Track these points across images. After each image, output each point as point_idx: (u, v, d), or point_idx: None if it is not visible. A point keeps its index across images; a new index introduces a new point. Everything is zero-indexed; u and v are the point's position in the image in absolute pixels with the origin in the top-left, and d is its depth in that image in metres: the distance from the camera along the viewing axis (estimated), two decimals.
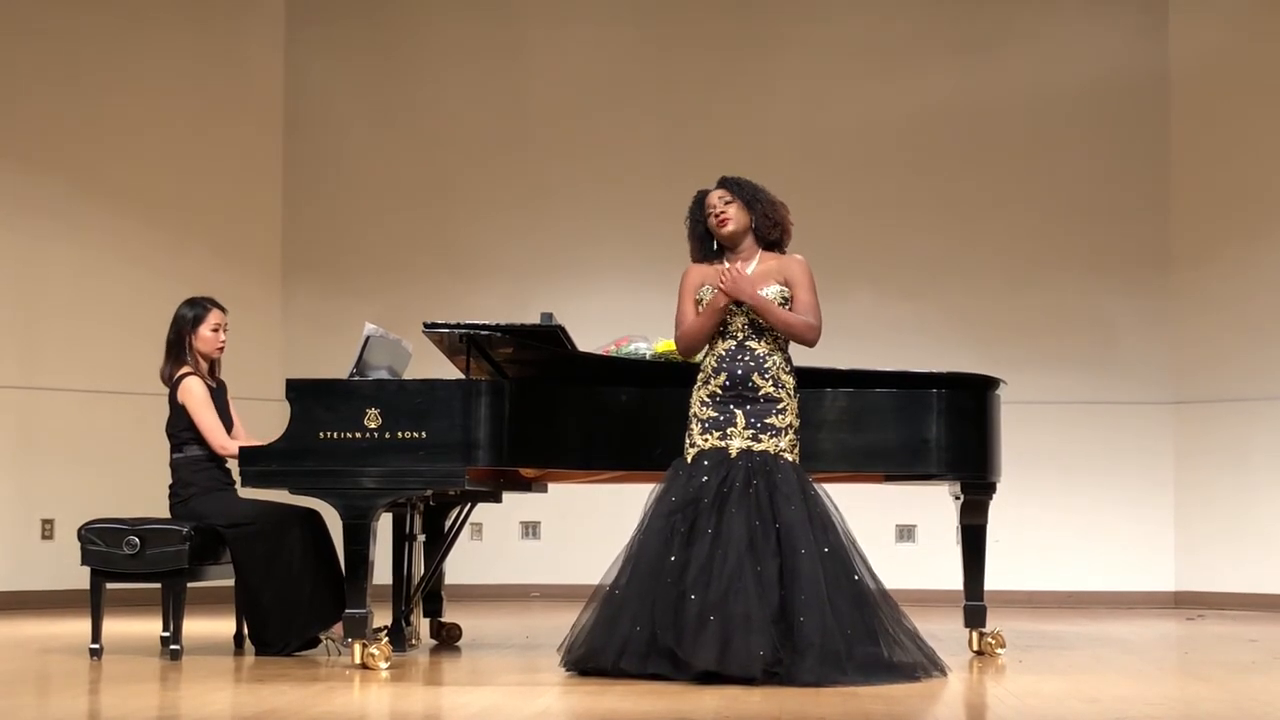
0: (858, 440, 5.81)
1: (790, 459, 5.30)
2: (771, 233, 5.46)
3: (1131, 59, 9.61)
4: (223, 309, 6.26)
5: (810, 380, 5.71)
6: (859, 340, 9.21)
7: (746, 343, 5.37)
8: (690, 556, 5.11)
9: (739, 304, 5.36)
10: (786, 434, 5.32)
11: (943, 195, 9.66)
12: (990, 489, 6.05)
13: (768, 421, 5.30)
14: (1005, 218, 9.63)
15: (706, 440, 5.32)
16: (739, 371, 5.34)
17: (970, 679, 5.47)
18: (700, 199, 5.53)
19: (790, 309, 5.39)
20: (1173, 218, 9.53)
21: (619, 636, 5.10)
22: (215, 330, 6.21)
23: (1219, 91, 9.42)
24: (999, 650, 6.07)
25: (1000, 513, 6.26)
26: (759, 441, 5.28)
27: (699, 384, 5.41)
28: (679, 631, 5.02)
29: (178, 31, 9.46)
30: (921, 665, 5.18)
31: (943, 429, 5.83)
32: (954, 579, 6.22)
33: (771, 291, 5.36)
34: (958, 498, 6.12)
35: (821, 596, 5.05)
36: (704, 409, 5.36)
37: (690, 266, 5.56)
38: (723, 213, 5.44)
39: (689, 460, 5.33)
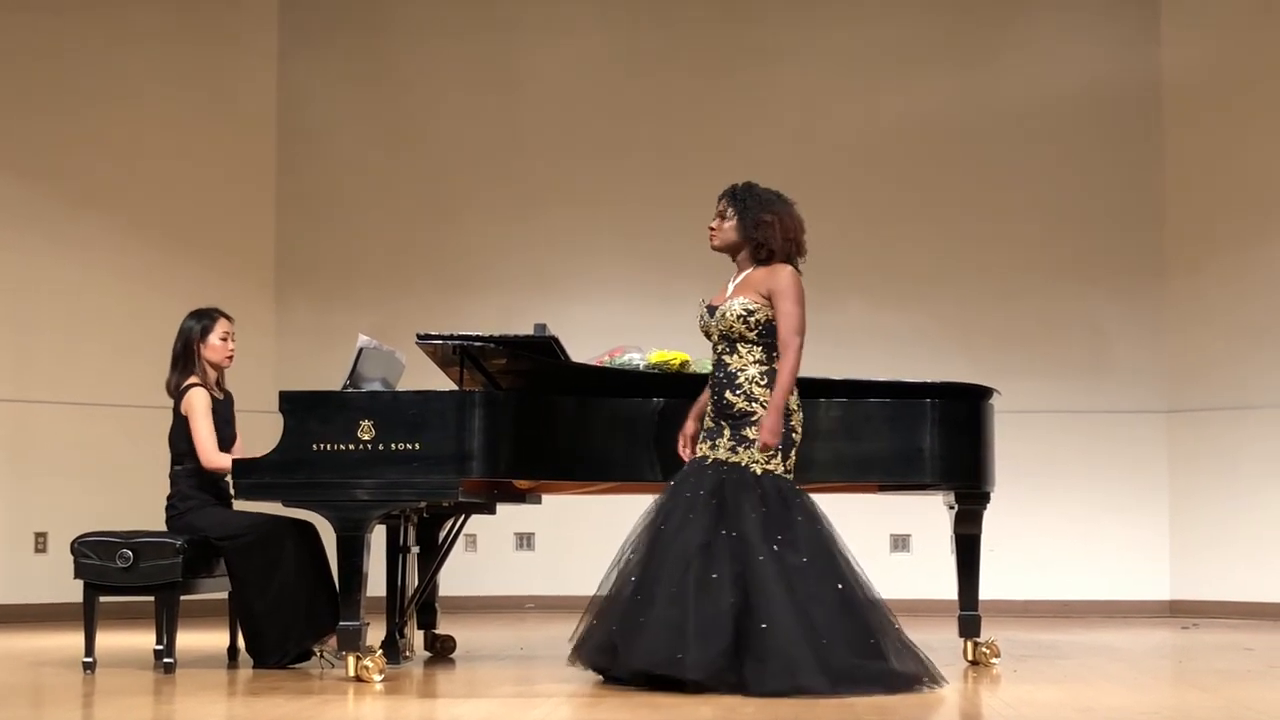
0: (852, 450, 5.82)
1: (763, 470, 5.28)
2: (758, 253, 5.42)
3: (1124, 69, 9.63)
4: (229, 318, 6.26)
5: (805, 390, 5.71)
6: (853, 350, 9.22)
7: (722, 358, 5.40)
8: (644, 558, 5.19)
9: (711, 314, 5.39)
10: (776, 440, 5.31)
11: (936, 205, 9.67)
12: (984, 498, 6.05)
13: (744, 434, 5.31)
14: (999, 227, 9.64)
15: (700, 449, 5.39)
16: (716, 389, 5.38)
17: (965, 689, 5.46)
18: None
19: (762, 316, 5.34)
20: (1165, 227, 9.54)
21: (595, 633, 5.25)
22: (224, 339, 6.20)
23: (1211, 101, 9.44)
24: (994, 660, 6.07)
25: (994, 522, 6.25)
26: (735, 454, 5.31)
27: None
28: (624, 629, 5.09)
29: (171, 45, 9.45)
30: (917, 676, 5.16)
31: (936, 439, 5.84)
32: (948, 588, 6.21)
33: (735, 305, 5.35)
34: (952, 507, 6.12)
35: (785, 604, 5.03)
36: (706, 420, 5.44)
37: None
38: (712, 227, 5.47)
39: (689, 470, 5.40)
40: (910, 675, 5.15)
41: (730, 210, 5.43)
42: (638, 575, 5.18)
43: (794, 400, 5.36)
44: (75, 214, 9.09)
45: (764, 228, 5.38)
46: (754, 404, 5.31)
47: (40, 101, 9.02)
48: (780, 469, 5.30)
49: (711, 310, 5.42)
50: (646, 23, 9.90)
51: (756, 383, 5.34)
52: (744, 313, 5.33)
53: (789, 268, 5.40)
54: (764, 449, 5.23)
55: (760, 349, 5.37)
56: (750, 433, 5.29)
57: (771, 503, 5.21)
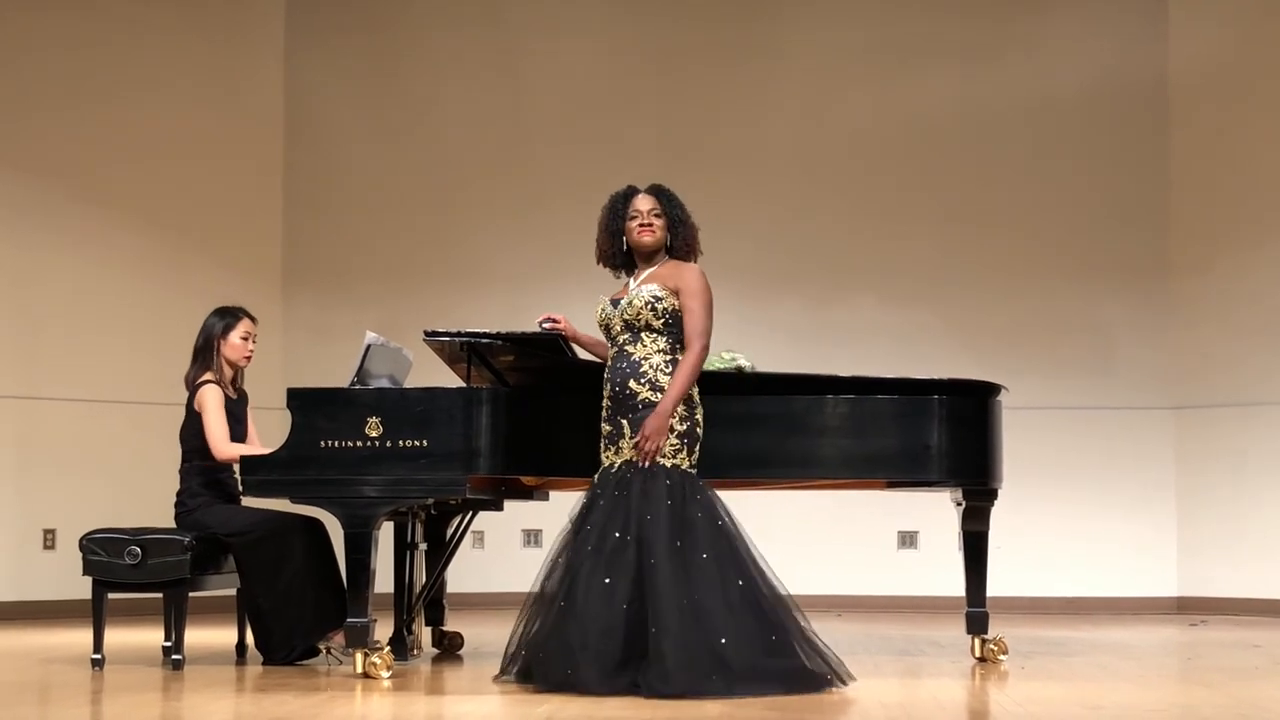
0: (859, 447, 5.81)
1: (671, 463, 5.21)
2: (687, 258, 5.43)
3: (1131, 66, 9.62)
4: (253, 318, 6.27)
5: (812, 387, 5.71)
6: (860, 347, 9.23)
7: (625, 348, 5.34)
8: (553, 569, 5.20)
9: (614, 305, 5.37)
10: (668, 436, 5.23)
11: (943, 203, 9.66)
12: (992, 495, 6.05)
13: None
14: (1005, 225, 9.63)
15: (606, 457, 5.34)
16: (618, 380, 5.31)
17: (973, 686, 5.46)
18: (628, 196, 5.46)
19: (669, 305, 5.30)
20: (1172, 224, 9.53)
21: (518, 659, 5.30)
22: (245, 339, 6.21)
23: (1218, 98, 9.42)
24: (1001, 657, 6.06)
25: (1002, 519, 6.24)
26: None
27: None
28: (533, 653, 5.13)
29: (178, 41, 9.47)
30: (823, 675, 5.05)
31: (944, 435, 5.83)
32: (956, 585, 6.21)
33: (644, 292, 5.32)
34: (959, 504, 6.12)
35: (680, 606, 4.96)
36: (603, 425, 5.36)
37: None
38: (650, 224, 5.39)
39: (595, 480, 5.35)
40: (816, 674, 5.05)
41: (661, 211, 5.41)
42: (550, 593, 5.16)
43: (697, 393, 5.31)
44: (82, 210, 9.11)
45: (688, 228, 5.42)
46: (659, 393, 5.24)
47: (47, 98, 9.03)
48: (686, 463, 5.25)
49: (615, 303, 5.39)
50: (652, 19, 9.90)
51: (662, 370, 5.27)
52: (652, 299, 5.30)
53: (699, 268, 5.39)
54: (641, 443, 5.15)
55: (665, 339, 5.31)
56: None
57: (676, 497, 5.15)
